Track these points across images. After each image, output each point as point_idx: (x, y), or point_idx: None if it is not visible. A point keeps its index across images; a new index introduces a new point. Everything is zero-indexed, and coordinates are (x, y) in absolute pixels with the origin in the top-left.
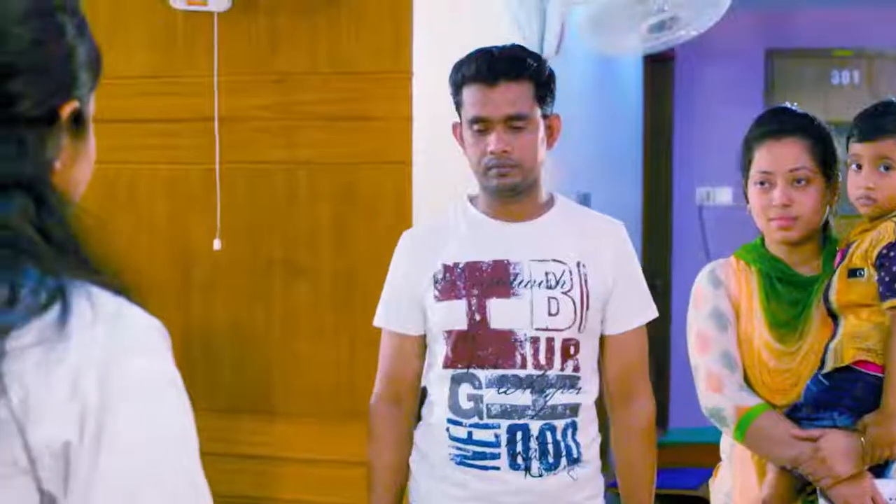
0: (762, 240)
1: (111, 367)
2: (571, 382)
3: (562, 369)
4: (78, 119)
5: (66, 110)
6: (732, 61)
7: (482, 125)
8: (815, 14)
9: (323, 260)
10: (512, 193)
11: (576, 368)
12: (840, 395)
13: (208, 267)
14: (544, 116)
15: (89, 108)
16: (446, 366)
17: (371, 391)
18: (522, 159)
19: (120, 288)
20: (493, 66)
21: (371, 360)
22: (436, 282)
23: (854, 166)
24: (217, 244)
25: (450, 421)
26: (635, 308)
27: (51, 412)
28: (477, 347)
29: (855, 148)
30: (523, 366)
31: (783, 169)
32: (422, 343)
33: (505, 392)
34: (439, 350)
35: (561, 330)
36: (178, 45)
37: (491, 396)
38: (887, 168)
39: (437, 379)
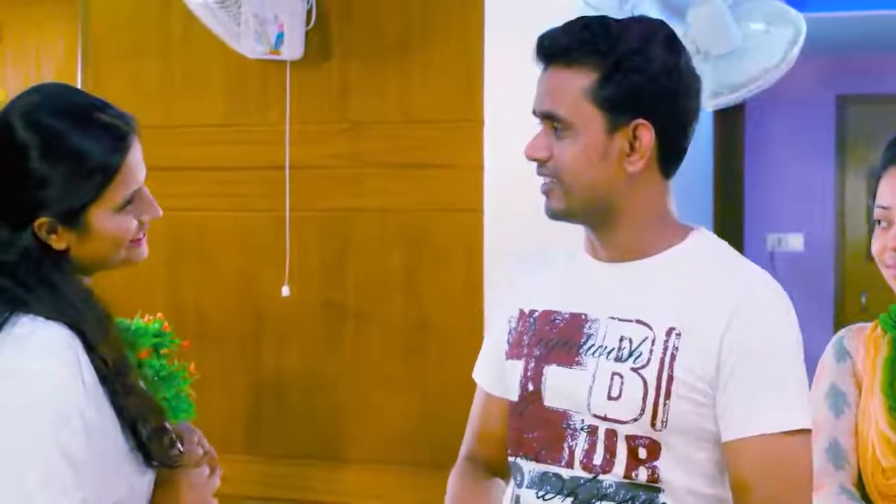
0: None
1: None
2: (646, 498)
3: (627, 477)
4: (69, 219)
5: (37, 223)
6: (803, 108)
7: (538, 120)
8: (886, 59)
9: (394, 307)
10: (565, 220)
11: (652, 479)
12: None
13: (276, 313)
14: (616, 124)
15: (93, 210)
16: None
17: (442, 440)
18: (560, 172)
19: (78, 328)
20: (550, 42)
21: (442, 410)
22: (510, 332)
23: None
24: (286, 290)
25: None
26: (760, 406)
27: None
28: (524, 428)
29: None
30: (569, 464)
31: None
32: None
33: (543, 497)
34: None
35: (623, 422)
36: (251, 94)
37: (529, 500)
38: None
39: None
